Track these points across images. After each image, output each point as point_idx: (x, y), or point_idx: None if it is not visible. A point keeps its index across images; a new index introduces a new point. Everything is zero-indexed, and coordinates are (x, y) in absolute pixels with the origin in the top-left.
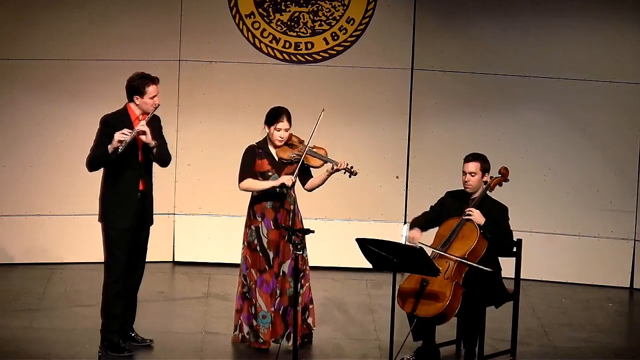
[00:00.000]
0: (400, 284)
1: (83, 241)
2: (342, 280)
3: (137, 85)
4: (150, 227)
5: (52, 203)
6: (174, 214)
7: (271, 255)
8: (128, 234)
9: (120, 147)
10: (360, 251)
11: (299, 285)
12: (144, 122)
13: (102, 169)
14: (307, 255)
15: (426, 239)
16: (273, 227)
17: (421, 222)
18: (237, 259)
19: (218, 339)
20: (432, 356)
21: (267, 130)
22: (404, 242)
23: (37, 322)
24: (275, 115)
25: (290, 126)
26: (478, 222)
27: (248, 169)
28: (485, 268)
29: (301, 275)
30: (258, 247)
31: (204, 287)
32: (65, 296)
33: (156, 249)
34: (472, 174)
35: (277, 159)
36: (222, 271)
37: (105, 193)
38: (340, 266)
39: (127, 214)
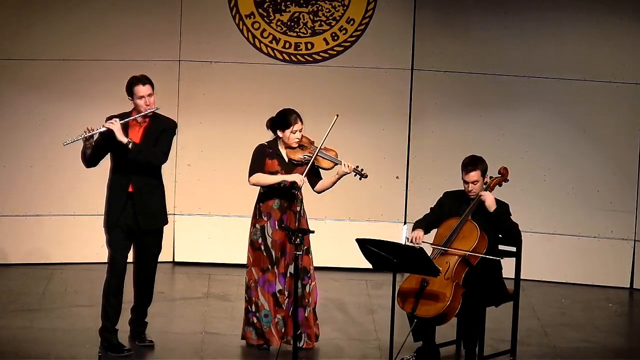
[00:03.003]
0: (400, 284)
1: (83, 241)
2: (342, 280)
3: (128, 86)
4: (161, 231)
5: (52, 203)
6: (174, 214)
7: (274, 255)
8: (120, 233)
9: (82, 138)
10: (360, 251)
11: (307, 285)
12: (112, 121)
13: (104, 174)
14: (311, 255)
15: (426, 239)
16: (278, 228)
17: (423, 224)
18: (237, 259)
19: (218, 339)
20: (432, 356)
21: (281, 135)
22: (405, 242)
23: (37, 322)
24: (289, 119)
25: (303, 125)
26: (490, 206)
27: (258, 165)
28: (493, 257)
29: (308, 275)
30: (262, 247)
31: (204, 288)
32: (65, 296)
33: None
34: (475, 182)
35: (287, 159)
36: (222, 271)
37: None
38: (340, 266)
39: (114, 212)
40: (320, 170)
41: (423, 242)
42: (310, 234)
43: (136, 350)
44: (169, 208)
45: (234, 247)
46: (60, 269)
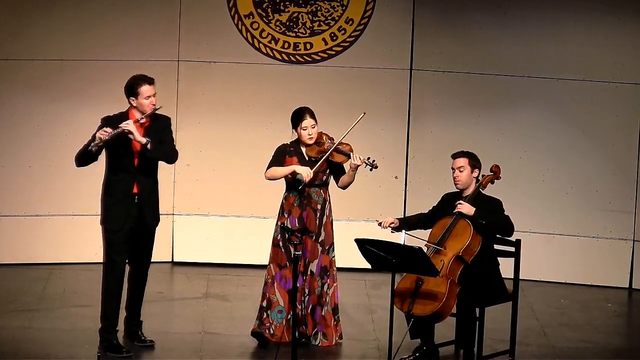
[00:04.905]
0: (396, 284)
1: (82, 241)
2: (341, 280)
3: (130, 87)
4: (155, 229)
5: (51, 203)
6: (173, 214)
7: (292, 252)
8: (122, 236)
9: (100, 144)
10: (359, 251)
11: (326, 284)
12: (129, 122)
13: (103, 174)
14: (334, 257)
15: (423, 238)
16: (298, 225)
17: (411, 221)
18: (236, 259)
19: (217, 339)
20: (431, 356)
21: (296, 133)
22: (380, 226)
23: (35, 323)
24: (298, 116)
25: (315, 122)
26: (468, 212)
27: (276, 162)
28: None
29: (327, 274)
30: (280, 243)
31: (203, 288)
32: (64, 296)
33: (155, 250)
34: (461, 169)
35: (307, 157)
36: (221, 271)
37: (102, 196)
38: (339, 266)
39: (120, 216)
40: (344, 166)
41: (419, 238)
42: (308, 234)
43: (135, 350)
44: (168, 208)
45: (233, 247)
46: (59, 269)
